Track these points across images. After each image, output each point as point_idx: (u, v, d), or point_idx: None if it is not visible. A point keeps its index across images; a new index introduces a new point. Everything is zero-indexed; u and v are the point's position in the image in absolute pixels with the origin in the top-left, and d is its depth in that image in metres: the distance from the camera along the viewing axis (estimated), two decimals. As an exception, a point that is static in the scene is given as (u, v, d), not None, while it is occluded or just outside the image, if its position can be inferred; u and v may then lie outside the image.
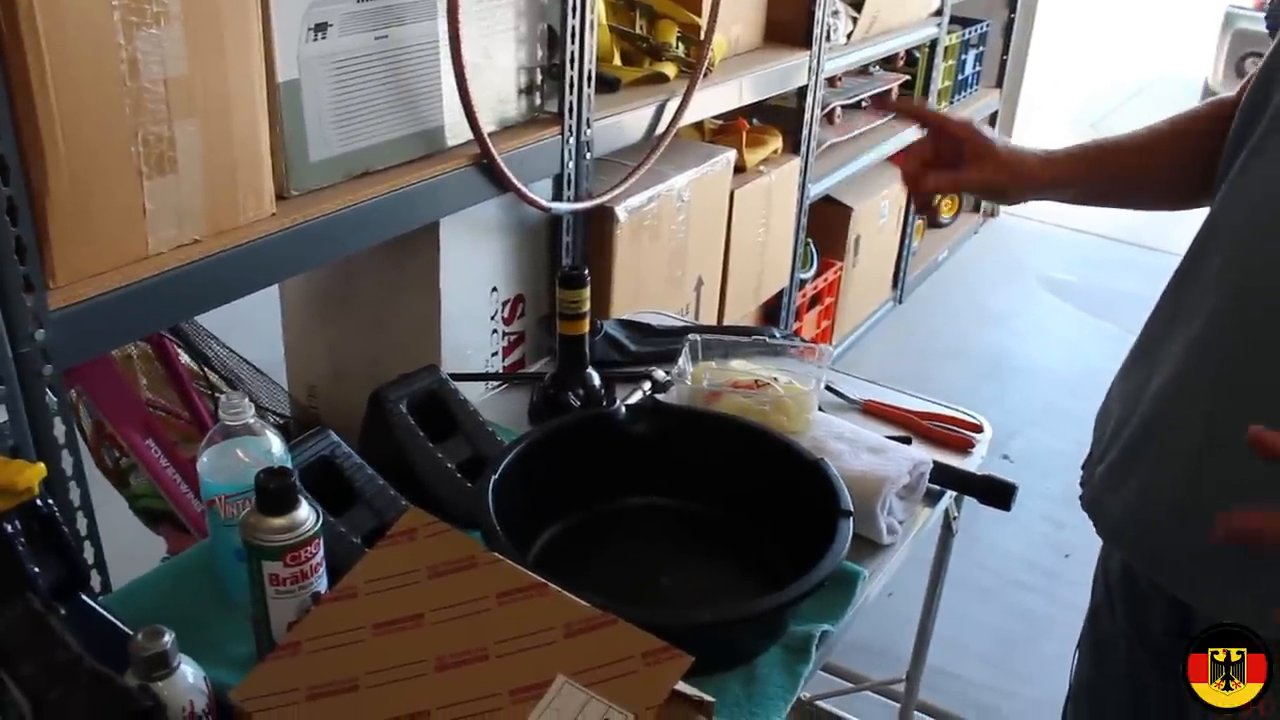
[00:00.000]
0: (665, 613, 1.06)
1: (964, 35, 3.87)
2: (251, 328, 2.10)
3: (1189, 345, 0.99)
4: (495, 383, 1.71)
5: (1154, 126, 1.16)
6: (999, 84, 4.42)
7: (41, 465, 0.84)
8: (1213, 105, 1.13)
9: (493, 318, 1.89)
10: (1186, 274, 1.04)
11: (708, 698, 0.88)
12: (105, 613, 0.92)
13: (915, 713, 1.96)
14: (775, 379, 1.45)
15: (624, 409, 1.35)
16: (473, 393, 1.60)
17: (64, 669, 0.67)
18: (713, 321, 2.48)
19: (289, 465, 1.05)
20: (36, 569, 0.86)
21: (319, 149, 1.38)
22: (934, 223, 4.31)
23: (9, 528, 0.84)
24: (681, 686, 0.87)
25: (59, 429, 1.14)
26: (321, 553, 0.96)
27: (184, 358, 1.62)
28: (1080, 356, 3.77)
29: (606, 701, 0.82)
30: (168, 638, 0.81)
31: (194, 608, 1.12)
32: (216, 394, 1.61)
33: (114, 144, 1.11)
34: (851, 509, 1.17)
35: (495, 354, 1.92)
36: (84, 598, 0.90)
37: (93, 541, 1.22)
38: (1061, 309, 4.23)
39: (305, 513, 0.94)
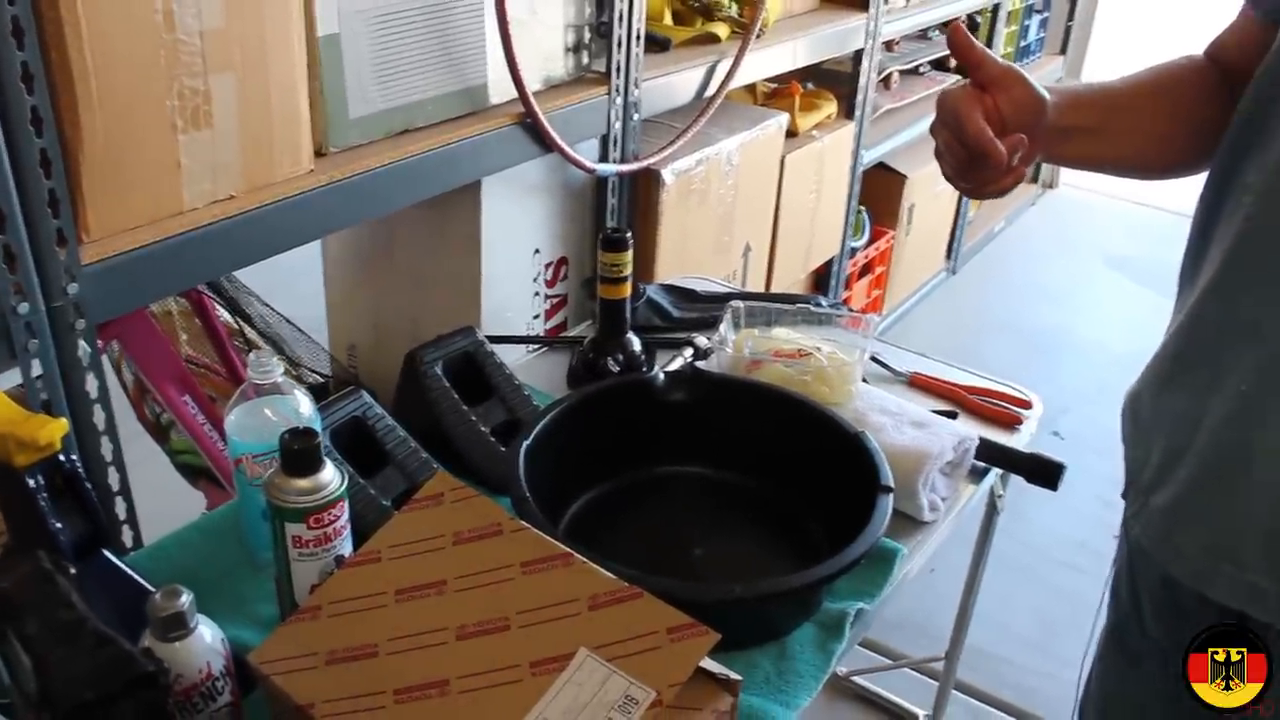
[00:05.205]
0: (694, 587, 1.03)
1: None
2: (299, 287, 2.10)
3: (1264, 364, 0.87)
4: (535, 346, 1.68)
5: (1129, 79, 1.06)
6: (1063, 51, 4.30)
7: (64, 421, 0.83)
8: (1192, 65, 1.06)
9: (535, 280, 1.86)
10: (1242, 281, 0.90)
11: (735, 675, 0.86)
12: (128, 570, 0.91)
13: (953, 692, 1.93)
14: (818, 349, 1.42)
15: (661, 376, 1.32)
16: (512, 356, 1.58)
17: (68, 629, 0.67)
18: (760, 288, 2.44)
19: (318, 425, 1.03)
20: (59, 524, 0.85)
21: (359, 105, 1.36)
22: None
23: (31, 482, 0.83)
24: (708, 664, 0.84)
25: (91, 383, 1.14)
26: (346, 516, 0.95)
27: (223, 314, 1.62)
28: (1140, 334, 3.60)
29: (629, 677, 0.80)
30: (185, 598, 0.80)
31: (222, 566, 1.12)
32: (254, 350, 1.61)
33: (148, 98, 1.10)
34: (892, 484, 1.14)
35: (537, 316, 1.90)
36: (107, 554, 0.90)
37: (124, 497, 1.22)
38: (1122, 284, 4.12)
39: (330, 475, 0.92)
